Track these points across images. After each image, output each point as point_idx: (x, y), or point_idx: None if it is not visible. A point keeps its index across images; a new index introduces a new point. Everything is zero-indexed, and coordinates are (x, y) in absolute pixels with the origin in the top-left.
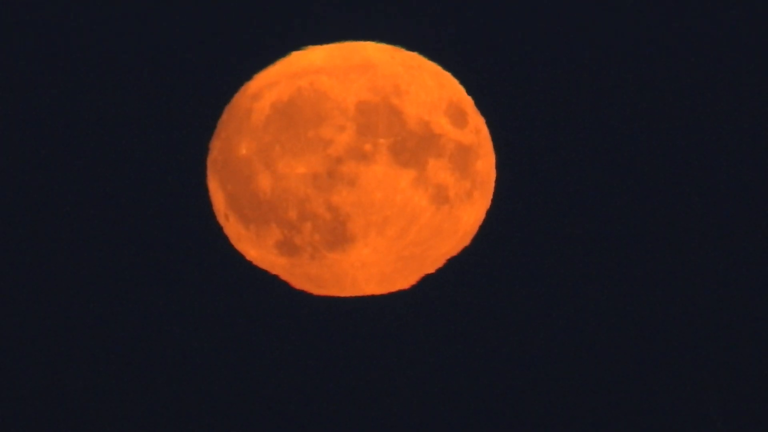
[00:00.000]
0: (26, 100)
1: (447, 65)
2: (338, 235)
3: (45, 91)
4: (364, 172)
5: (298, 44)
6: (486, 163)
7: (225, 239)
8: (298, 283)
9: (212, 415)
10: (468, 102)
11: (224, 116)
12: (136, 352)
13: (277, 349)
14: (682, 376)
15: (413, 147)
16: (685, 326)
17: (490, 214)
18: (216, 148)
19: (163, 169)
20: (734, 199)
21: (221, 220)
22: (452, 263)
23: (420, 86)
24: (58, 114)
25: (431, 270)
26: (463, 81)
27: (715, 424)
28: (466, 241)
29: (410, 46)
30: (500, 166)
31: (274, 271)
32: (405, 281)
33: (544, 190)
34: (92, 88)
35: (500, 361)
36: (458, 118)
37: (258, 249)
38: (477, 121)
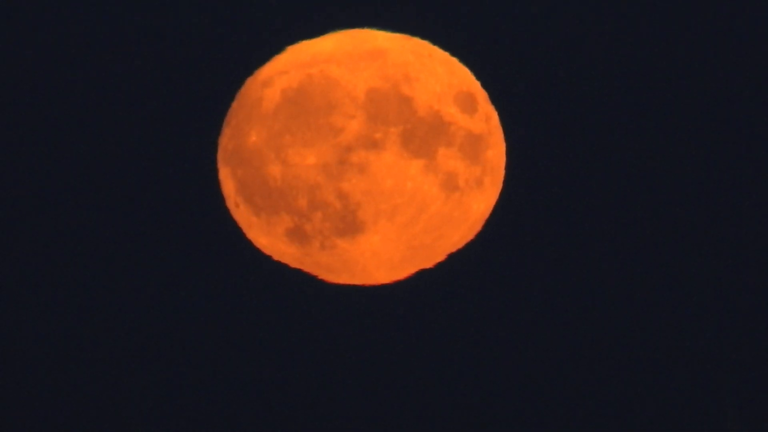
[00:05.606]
0: (33, 91)
1: (459, 57)
2: (348, 223)
3: (52, 82)
4: (375, 160)
5: (309, 33)
6: (496, 152)
7: (235, 227)
8: (310, 270)
9: (221, 401)
10: (478, 90)
11: (235, 104)
12: (147, 340)
13: (287, 336)
14: (689, 373)
15: (423, 135)
16: (699, 314)
17: (500, 206)
18: (226, 135)
19: (174, 157)
20: (750, 203)
21: (232, 207)
22: (460, 254)
23: (430, 74)
24: (66, 104)
25: (436, 261)
26: (476, 73)
27: (730, 423)
28: (476, 229)
29: (422, 37)
30: (511, 158)
31: (284, 260)
32: (416, 269)
33: (554, 183)
34: (103, 77)
35: (509, 349)
36: (468, 106)
37: (268, 237)
38: (487, 110)
